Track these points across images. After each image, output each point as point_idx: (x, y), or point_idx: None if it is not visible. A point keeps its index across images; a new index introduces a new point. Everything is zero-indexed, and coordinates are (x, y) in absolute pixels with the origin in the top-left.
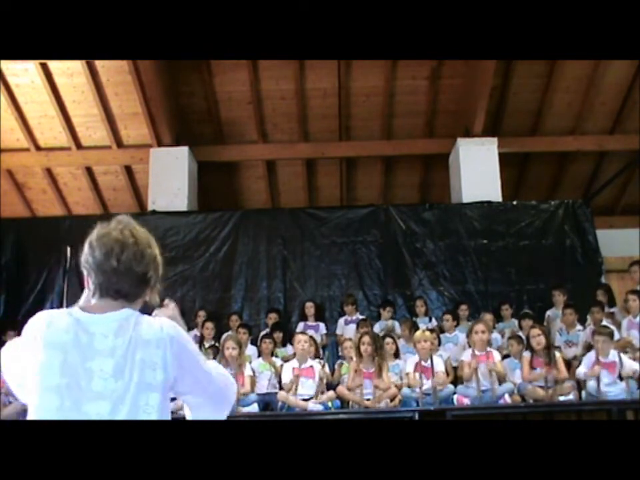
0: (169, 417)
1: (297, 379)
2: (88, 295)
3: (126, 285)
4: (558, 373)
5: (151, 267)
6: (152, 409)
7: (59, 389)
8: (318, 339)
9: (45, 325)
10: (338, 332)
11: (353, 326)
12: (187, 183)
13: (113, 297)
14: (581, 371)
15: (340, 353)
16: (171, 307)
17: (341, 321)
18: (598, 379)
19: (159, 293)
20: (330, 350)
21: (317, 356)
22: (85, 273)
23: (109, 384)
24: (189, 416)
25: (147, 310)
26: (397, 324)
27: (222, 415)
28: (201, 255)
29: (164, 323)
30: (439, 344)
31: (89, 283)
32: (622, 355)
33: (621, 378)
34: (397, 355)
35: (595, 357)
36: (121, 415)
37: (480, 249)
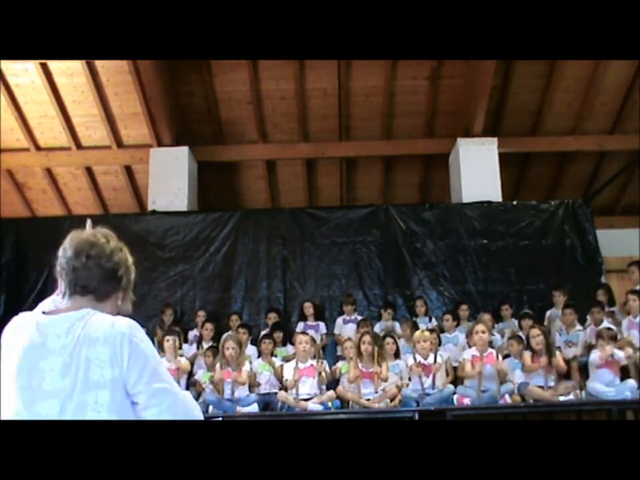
0: (128, 416)
1: (296, 383)
2: (54, 300)
3: (94, 281)
4: (558, 367)
5: (121, 267)
6: (101, 407)
7: (17, 391)
8: (317, 338)
9: (12, 329)
10: (336, 331)
11: (351, 325)
12: (187, 183)
13: (80, 294)
14: (594, 357)
15: (338, 353)
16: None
17: (339, 320)
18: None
19: (132, 302)
20: (329, 350)
21: (317, 356)
22: (58, 276)
23: (57, 383)
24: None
25: None
26: (396, 324)
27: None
28: (201, 255)
29: (118, 320)
30: (439, 344)
31: (61, 286)
32: (616, 350)
33: (621, 378)
34: (397, 355)
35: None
36: (69, 414)
37: (480, 249)
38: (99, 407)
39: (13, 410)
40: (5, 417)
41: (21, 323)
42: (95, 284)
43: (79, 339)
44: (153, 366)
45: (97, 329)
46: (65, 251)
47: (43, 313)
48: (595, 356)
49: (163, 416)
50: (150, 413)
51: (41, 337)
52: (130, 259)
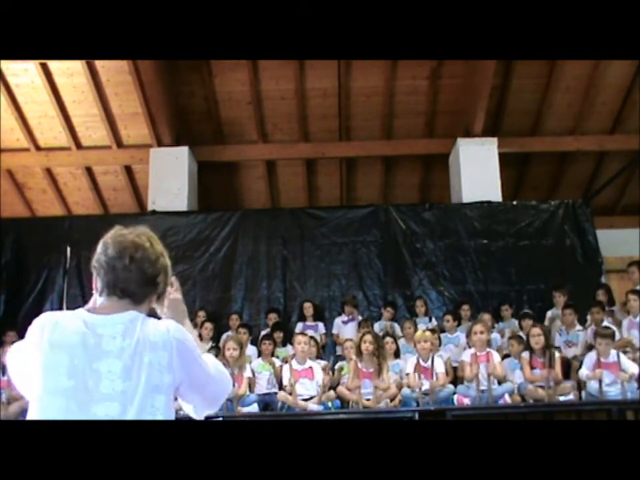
0: (172, 418)
1: (294, 385)
2: (94, 297)
3: (133, 284)
4: (555, 376)
5: (161, 273)
6: (157, 411)
7: (65, 391)
8: (317, 338)
9: (51, 326)
10: (334, 331)
11: (350, 326)
12: (187, 183)
13: (118, 296)
14: (583, 372)
15: (337, 353)
16: (175, 285)
17: (337, 320)
18: (600, 381)
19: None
20: (328, 350)
21: (318, 356)
22: (95, 272)
23: (117, 385)
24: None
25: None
26: (395, 324)
27: (210, 412)
28: (201, 255)
29: (170, 325)
30: (440, 344)
31: (97, 283)
32: (621, 355)
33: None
34: (397, 354)
35: (596, 358)
36: (129, 417)
37: (480, 249)
38: (155, 410)
39: (59, 409)
40: (40, 416)
41: (62, 321)
42: (134, 287)
43: (138, 343)
44: (203, 368)
45: (154, 334)
46: (106, 248)
47: (88, 310)
48: (585, 371)
49: (205, 412)
50: (195, 411)
51: (94, 338)
52: (169, 264)
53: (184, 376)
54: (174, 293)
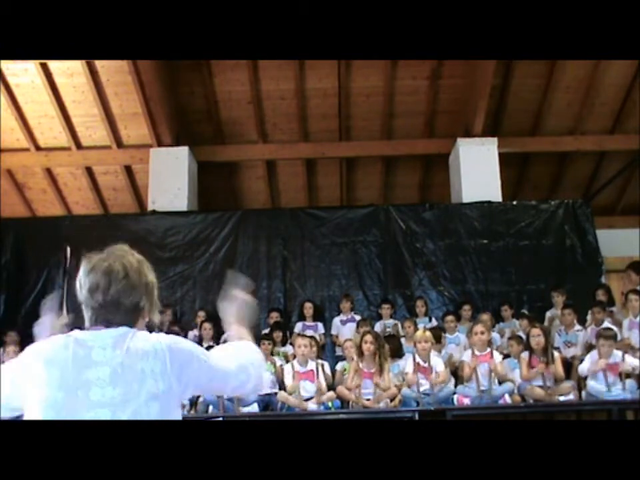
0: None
1: (296, 387)
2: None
3: (117, 316)
4: (555, 371)
5: (142, 296)
6: (152, 418)
7: (55, 403)
8: (317, 338)
9: (43, 346)
10: (333, 332)
11: (349, 325)
12: (187, 183)
13: (105, 326)
14: (584, 367)
15: (337, 353)
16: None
17: (336, 320)
18: (605, 375)
19: (158, 309)
20: (328, 350)
21: (319, 356)
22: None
23: (107, 392)
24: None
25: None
26: (398, 324)
27: (254, 392)
28: (200, 255)
29: (160, 336)
30: (443, 343)
31: (86, 314)
32: (625, 355)
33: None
34: (397, 354)
35: (597, 358)
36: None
37: (480, 249)
38: (150, 417)
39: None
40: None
41: (54, 340)
42: (118, 319)
43: (129, 352)
44: (209, 364)
45: (146, 344)
46: (80, 284)
47: (79, 329)
48: (587, 364)
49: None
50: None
51: (83, 350)
52: (150, 277)
53: (187, 379)
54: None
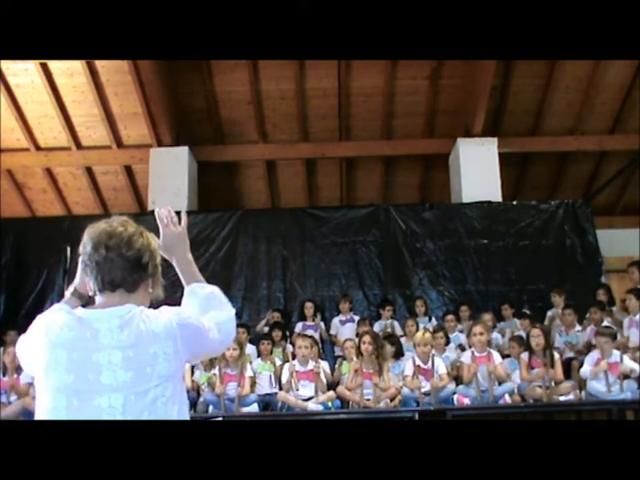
0: (183, 403)
1: (293, 385)
2: (68, 294)
3: (119, 272)
4: (555, 374)
5: (145, 253)
6: (169, 400)
7: (66, 387)
8: (316, 338)
9: (46, 325)
10: (332, 332)
11: (349, 326)
12: (187, 183)
13: (111, 290)
14: (586, 369)
15: (337, 353)
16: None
17: (335, 320)
18: (606, 372)
19: (162, 286)
20: (327, 350)
21: (319, 356)
22: (84, 274)
23: (119, 376)
24: None
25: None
26: (396, 323)
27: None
28: (200, 255)
29: (169, 313)
30: (446, 343)
31: (90, 284)
32: (624, 356)
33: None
34: (397, 355)
35: (598, 358)
36: (135, 406)
37: (480, 249)
38: (167, 399)
39: (62, 406)
40: (47, 416)
41: (57, 318)
42: (121, 276)
43: (141, 335)
44: (208, 337)
45: (157, 325)
46: (84, 246)
47: (83, 306)
48: (588, 367)
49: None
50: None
51: (90, 332)
52: (153, 243)
53: (193, 353)
54: (172, 226)
